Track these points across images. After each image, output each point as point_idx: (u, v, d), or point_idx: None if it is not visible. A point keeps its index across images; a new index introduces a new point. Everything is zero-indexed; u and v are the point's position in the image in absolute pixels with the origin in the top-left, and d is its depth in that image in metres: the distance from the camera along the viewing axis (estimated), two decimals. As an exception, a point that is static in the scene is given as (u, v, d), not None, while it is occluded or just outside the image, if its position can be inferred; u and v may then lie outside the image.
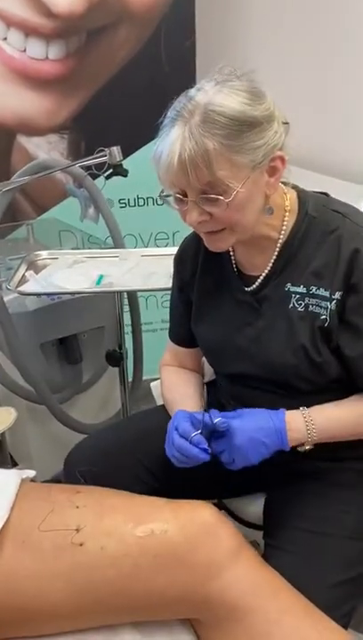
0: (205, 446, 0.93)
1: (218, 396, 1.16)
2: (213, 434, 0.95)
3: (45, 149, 2.18)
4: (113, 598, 0.79)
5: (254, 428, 0.93)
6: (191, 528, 0.81)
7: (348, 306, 0.92)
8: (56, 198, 2.22)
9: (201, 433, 0.94)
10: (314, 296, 0.94)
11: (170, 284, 1.45)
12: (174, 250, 1.59)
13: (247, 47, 2.50)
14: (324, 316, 0.93)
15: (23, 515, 0.83)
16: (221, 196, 0.85)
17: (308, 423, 0.94)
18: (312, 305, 0.94)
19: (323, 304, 0.93)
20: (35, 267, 1.62)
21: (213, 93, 0.84)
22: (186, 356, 1.18)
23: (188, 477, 1.00)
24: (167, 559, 0.79)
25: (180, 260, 1.13)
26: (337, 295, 0.92)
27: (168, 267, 1.55)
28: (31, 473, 0.95)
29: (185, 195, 0.88)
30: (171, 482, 1.02)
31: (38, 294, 1.57)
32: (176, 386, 1.14)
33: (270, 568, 0.85)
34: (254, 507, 1.14)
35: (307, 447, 0.96)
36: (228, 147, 0.83)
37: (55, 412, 1.74)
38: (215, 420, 0.94)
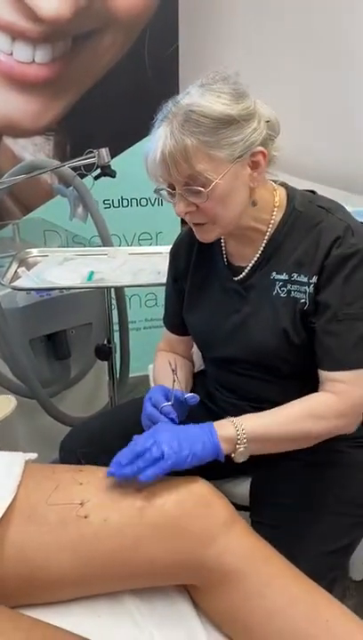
0: (174, 417, 1.03)
1: (206, 384, 1.24)
2: (180, 407, 1.06)
3: (31, 151, 2.22)
4: (115, 567, 0.85)
5: (186, 438, 0.93)
6: (188, 500, 0.88)
7: (319, 285, 0.99)
8: (41, 198, 2.26)
9: (171, 405, 1.04)
10: (295, 282, 1.01)
11: (158, 280, 1.51)
12: (161, 248, 1.66)
13: (229, 53, 2.57)
14: (303, 300, 1.00)
15: (29, 492, 0.88)
16: (202, 187, 0.94)
17: (239, 431, 0.95)
18: (294, 291, 1.01)
19: (302, 289, 1.01)
20: (26, 264, 1.66)
21: (197, 96, 0.93)
22: (178, 343, 1.26)
23: None
24: (166, 529, 0.85)
25: (175, 254, 1.20)
26: (314, 279, 0.99)
27: (155, 264, 1.63)
28: (33, 455, 1.00)
29: (173, 188, 0.97)
30: None
31: (32, 290, 1.62)
32: (164, 369, 1.22)
33: (259, 537, 0.91)
34: (241, 488, 1.20)
35: (241, 459, 0.96)
36: (204, 142, 0.91)
37: (46, 406, 1.78)
38: (185, 396, 1.07)
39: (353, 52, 2.26)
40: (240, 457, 0.95)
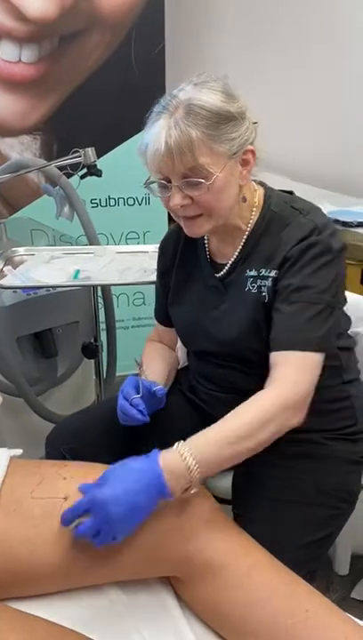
0: (142, 409, 1.08)
1: (189, 378, 1.27)
2: (151, 399, 1.11)
3: (18, 150, 2.22)
4: (99, 560, 0.86)
5: (128, 491, 0.84)
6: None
7: (278, 277, 1.02)
8: (28, 198, 2.27)
9: (141, 397, 1.09)
10: (262, 277, 1.05)
11: (145, 279, 1.52)
12: (148, 247, 1.66)
13: (216, 53, 2.59)
14: (264, 293, 1.04)
15: (14, 486, 0.90)
16: (202, 179, 0.96)
17: (187, 458, 0.86)
18: (262, 286, 1.04)
19: (265, 282, 1.04)
20: (12, 262, 1.67)
21: (194, 92, 0.96)
22: (166, 333, 1.30)
23: None
24: (149, 523, 0.87)
25: (162, 250, 1.24)
26: (274, 273, 1.03)
27: (142, 262, 1.64)
28: (18, 451, 1.01)
29: (169, 181, 0.99)
30: None
31: (19, 288, 1.63)
32: (149, 357, 1.27)
33: (240, 530, 0.93)
34: (223, 482, 1.22)
35: (195, 489, 0.88)
36: (209, 136, 0.94)
37: (32, 404, 1.79)
38: (153, 389, 1.11)
39: (346, 50, 2.28)
40: (189, 494, 0.88)
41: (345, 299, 1.12)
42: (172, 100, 0.96)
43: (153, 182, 1.02)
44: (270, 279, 1.03)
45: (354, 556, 1.55)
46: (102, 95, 2.19)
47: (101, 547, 0.84)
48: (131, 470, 0.86)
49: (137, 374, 1.17)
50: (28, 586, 0.86)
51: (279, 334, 0.99)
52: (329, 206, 2.04)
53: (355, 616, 0.90)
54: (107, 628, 0.84)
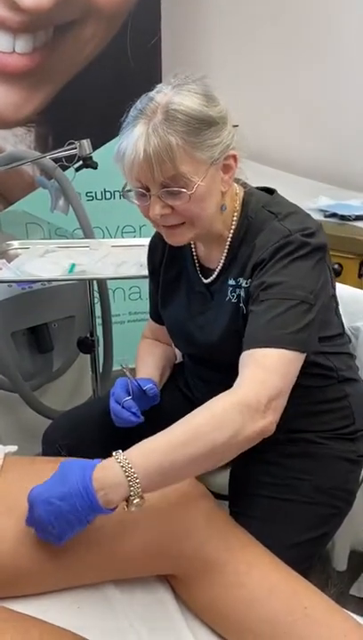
0: (135, 410, 1.08)
1: (185, 375, 1.26)
2: (143, 398, 1.12)
3: (12, 142, 2.20)
4: (96, 558, 0.85)
5: (52, 495, 0.78)
6: (167, 491, 0.87)
7: (249, 286, 0.98)
8: (23, 191, 2.24)
9: (132, 398, 1.09)
10: (239, 287, 1.02)
11: (140, 273, 1.51)
12: (144, 241, 1.65)
13: (212, 45, 2.57)
14: (241, 304, 1.01)
15: (9, 485, 0.88)
16: (183, 188, 0.92)
17: (124, 466, 0.78)
18: (239, 295, 1.02)
19: (242, 293, 1.01)
20: (7, 256, 1.65)
21: (172, 95, 0.91)
22: (160, 331, 1.27)
23: None
24: (146, 521, 0.86)
25: (150, 249, 1.21)
26: (246, 283, 1.00)
27: (138, 256, 1.62)
28: (13, 448, 1.00)
29: (147, 189, 0.94)
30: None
31: (13, 282, 1.61)
32: (142, 354, 1.27)
33: (239, 527, 0.92)
34: (220, 478, 1.21)
35: (140, 505, 0.79)
36: (189, 143, 0.89)
37: (28, 399, 1.78)
38: (145, 387, 1.11)
39: (340, 44, 2.27)
40: (133, 508, 0.79)
41: (333, 297, 1.09)
42: (149, 104, 0.91)
43: (130, 191, 0.97)
44: (243, 289, 1.00)
45: (352, 552, 1.55)
46: (98, 87, 2.17)
47: (100, 545, 0.83)
48: (66, 474, 0.78)
49: (129, 377, 1.14)
50: (24, 584, 0.85)
51: (247, 335, 0.93)
52: (327, 200, 2.03)
53: (353, 612, 0.89)
54: (103, 626, 0.83)
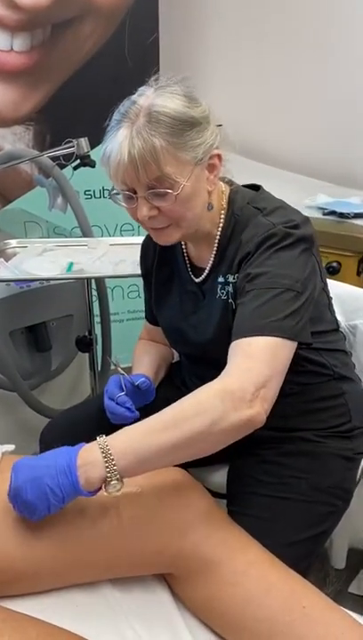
0: (129, 405, 1.09)
1: (182, 374, 1.26)
2: (138, 394, 1.13)
3: (10, 141, 2.19)
4: (93, 556, 0.85)
5: (38, 465, 0.81)
6: (166, 490, 0.88)
7: (236, 282, 0.99)
8: (22, 189, 2.24)
9: (126, 394, 1.10)
10: (227, 283, 1.03)
11: (139, 271, 1.51)
12: (142, 239, 1.64)
13: (209, 43, 2.56)
14: (230, 300, 1.02)
15: (6, 484, 0.88)
16: (169, 189, 0.93)
17: (106, 455, 0.79)
18: (229, 292, 1.02)
19: (230, 289, 1.02)
20: (4, 255, 1.65)
21: (154, 97, 0.93)
22: (155, 331, 1.28)
23: None
24: (144, 519, 0.86)
25: (143, 250, 1.22)
26: (232, 278, 1.01)
27: (136, 255, 1.60)
28: (10, 447, 1.00)
29: (134, 192, 0.95)
30: None
31: (11, 281, 1.61)
32: (138, 354, 1.28)
33: (237, 526, 0.92)
34: (218, 476, 1.21)
35: (117, 487, 0.80)
36: (173, 144, 0.91)
37: (26, 398, 1.77)
38: (137, 382, 1.12)
39: (341, 41, 2.26)
40: (113, 491, 0.80)
41: (325, 292, 1.09)
42: (132, 107, 0.92)
43: (118, 193, 0.98)
44: (231, 285, 1.01)
45: (350, 550, 1.55)
46: (96, 85, 2.16)
47: (98, 544, 0.83)
48: (55, 452, 0.83)
49: (121, 374, 1.16)
50: (23, 584, 0.85)
51: (234, 326, 0.92)
52: (325, 198, 2.02)
53: (351, 610, 0.89)
54: (101, 626, 0.83)
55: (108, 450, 0.79)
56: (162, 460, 0.83)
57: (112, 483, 0.79)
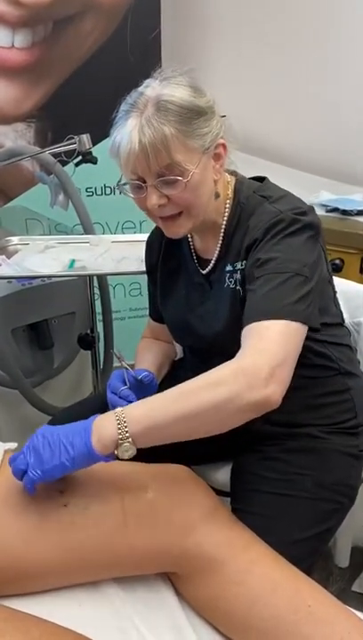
0: (132, 399, 1.08)
1: (186, 370, 1.24)
2: (141, 388, 1.12)
3: (12, 137, 2.19)
4: (97, 555, 0.84)
5: (57, 429, 0.85)
6: (170, 488, 0.87)
7: (245, 268, 1.00)
8: (23, 186, 2.23)
9: (129, 388, 1.10)
10: (236, 271, 1.03)
11: (140, 269, 1.50)
12: (144, 236, 1.64)
13: (211, 38, 2.55)
14: (238, 287, 1.02)
15: (9, 481, 0.87)
16: (179, 177, 0.94)
17: (119, 419, 0.82)
18: (237, 280, 1.03)
19: (238, 276, 1.02)
20: (6, 252, 1.64)
21: (161, 88, 0.94)
22: (159, 329, 1.29)
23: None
24: (147, 518, 0.85)
25: (148, 246, 1.23)
26: (242, 265, 1.01)
27: (138, 252, 1.60)
28: (13, 445, 0.99)
29: (143, 181, 0.96)
30: (139, 449, 1.09)
31: (12, 278, 1.60)
32: (141, 351, 1.28)
33: (241, 524, 0.91)
34: (221, 474, 1.21)
35: (126, 456, 0.82)
36: (182, 132, 0.92)
37: (28, 396, 1.77)
38: (140, 376, 1.12)
39: (342, 39, 2.25)
40: (125, 454, 0.82)
41: (331, 284, 1.09)
42: (140, 98, 0.94)
43: (125, 184, 0.99)
44: (239, 272, 1.01)
45: (354, 549, 1.54)
46: (97, 81, 2.16)
47: (101, 542, 0.83)
48: (72, 424, 0.86)
49: (125, 367, 1.15)
50: (26, 583, 0.84)
51: (245, 311, 0.92)
52: (328, 195, 2.02)
53: (355, 609, 0.88)
54: (105, 625, 0.82)
55: (123, 415, 0.83)
56: (172, 429, 0.83)
57: (124, 445, 0.81)
